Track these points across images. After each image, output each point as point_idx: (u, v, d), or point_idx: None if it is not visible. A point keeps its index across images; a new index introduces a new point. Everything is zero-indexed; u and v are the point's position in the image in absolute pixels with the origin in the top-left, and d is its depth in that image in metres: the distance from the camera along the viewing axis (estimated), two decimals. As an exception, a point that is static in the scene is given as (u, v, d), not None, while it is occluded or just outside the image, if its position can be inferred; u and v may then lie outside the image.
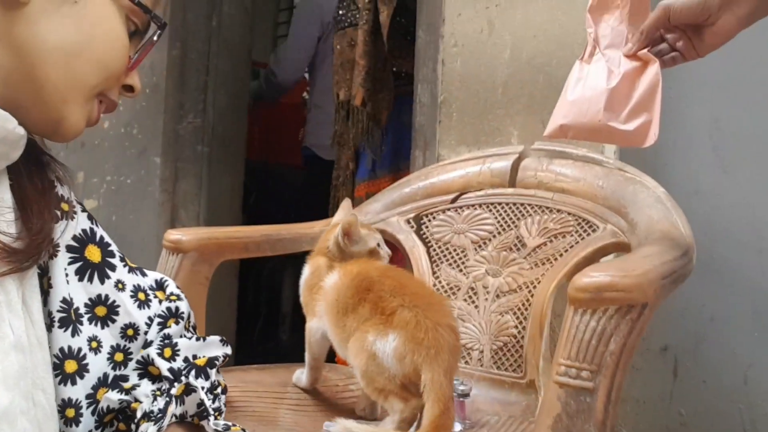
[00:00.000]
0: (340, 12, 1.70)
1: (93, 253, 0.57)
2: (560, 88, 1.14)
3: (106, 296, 0.56)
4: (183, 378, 0.55)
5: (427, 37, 1.31)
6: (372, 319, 0.70)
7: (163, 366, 0.55)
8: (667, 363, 1.17)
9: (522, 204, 1.09)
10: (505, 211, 1.10)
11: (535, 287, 0.99)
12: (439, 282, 1.10)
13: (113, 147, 1.86)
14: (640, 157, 1.12)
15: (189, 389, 0.53)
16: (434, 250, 1.13)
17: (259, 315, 2.52)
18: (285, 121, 2.50)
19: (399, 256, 1.35)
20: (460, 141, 1.25)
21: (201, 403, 0.52)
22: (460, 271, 1.09)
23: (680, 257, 0.68)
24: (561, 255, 0.99)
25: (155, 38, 0.54)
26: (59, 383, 0.53)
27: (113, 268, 0.58)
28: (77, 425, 0.53)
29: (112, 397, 0.54)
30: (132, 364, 0.57)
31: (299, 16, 2.22)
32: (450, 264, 1.11)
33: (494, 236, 1.10)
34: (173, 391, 0.53)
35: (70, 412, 0.53)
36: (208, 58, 1.84)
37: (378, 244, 0.90)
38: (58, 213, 0.54)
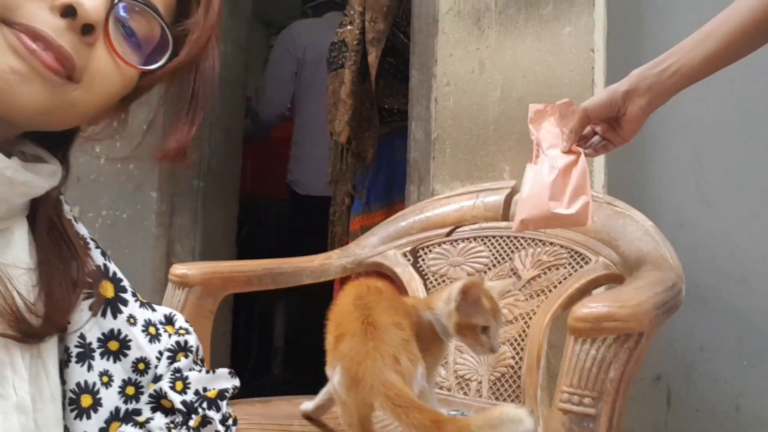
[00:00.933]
0: (332, 54, 1.75)
1: (106, 289, 0.58)
2: (550, 126, 1.20)
3: (119, 331, 0.58)
4: (198, 410, 0.56)
5: (420, 77, 1.36)
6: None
7: (176, 399, 0.56)
8: (660, 392, 1.20)
9: (515, 237, 1.13)
10: (500, 244, 1.14)
11: (530, 318, 1.01)
12: (436, 314, 1.13)
13: (109, 182, 1.87)
14: (626, 192, 1.17)
15: (205, 421, 0.54)
16: (431, 282, 1.16)
17: (252, 349, 2.51)
18: (275, 156, 2.54)
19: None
20: (453, 176, 1.29)
21: None
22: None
23: (671, 288, 0.71)
24: (555, 287, 1.02)
25: None
26: (75, 417, 0.54)
27: (125, 303, 0.59)
28: None
29: (126, 431, 0.55)
30: (144, 398, 0.58)
31: (274, 54, 2.29)
32: (446, 296, 1.13)
33: (489, 268, 1.13)
34: (191, 423, 0.54)
35: None
36: (204, 95, 1.88)
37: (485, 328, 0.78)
38: (85, 281, 0.53)
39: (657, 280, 0.69)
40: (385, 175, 1.65)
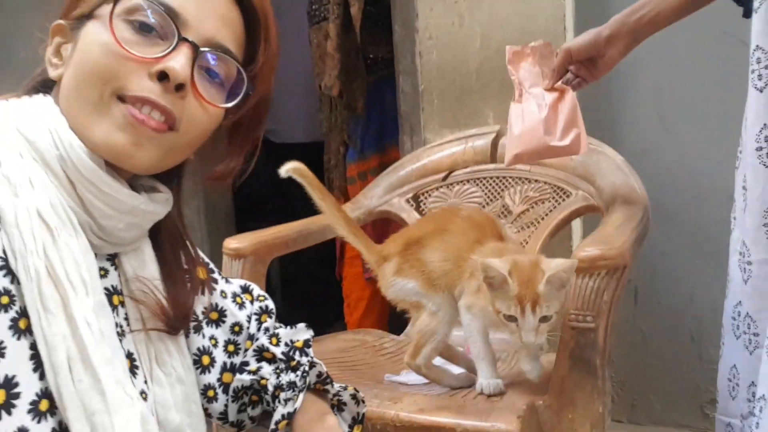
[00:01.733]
0: (313, 6, 1.77)
1: (200, 272, 0.73)
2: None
3: (216, 304, 0.73)
4: (293, 357, 0.73)
5: (403, 32, 1.46)
6: None
7: (277, 351, 0.72)
8: (629, 292, 1.42)
9: (504, 177, 1.28)
10: (491, 184, 1.30)
11: (525, 246, 1.19)
12: (442, 250, 1.30)
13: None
14: (596, 125, 1.33)
15: (312, 363, 0.70)
16: (433, 223, 1.33)
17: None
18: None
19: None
20: (442, 125, 1.43)
21: (321, 373, 0.70)
22: (458, 239, 1.29)
23: (641, 219, 0.89)
24: (543, 218, 1.20)
25: (167, 26, 0.57)
26: (200, 373, 0.70)
27: (216, 281, 0.74)
28: (216, 401, 0.71)
29: (244, 378, 0.71)
30: (250, 353, 0.74)
31: None
32: (449, 234, 1.31)
33: (483, 206, 1.29)
34: (304, 363, 0.70)
35: (210, 393, 0.70)
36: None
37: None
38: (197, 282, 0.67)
39: (630, 216, 0.86)
40: (375, 123, 1.74)
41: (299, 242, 1.14)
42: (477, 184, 1.31)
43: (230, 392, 0.72)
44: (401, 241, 0.97)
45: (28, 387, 0.49)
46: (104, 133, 0.55)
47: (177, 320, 0.63)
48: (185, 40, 0.56)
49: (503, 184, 1.28)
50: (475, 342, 0.84)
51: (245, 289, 0.79)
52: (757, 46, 0.67)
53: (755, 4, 0.68)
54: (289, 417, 0.67)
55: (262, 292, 0.80)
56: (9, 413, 0.48)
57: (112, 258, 0.62)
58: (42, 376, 0.50)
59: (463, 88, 1.39)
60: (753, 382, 0.69)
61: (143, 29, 0.56)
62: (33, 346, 0.50)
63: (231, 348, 0.73)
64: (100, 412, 0.51)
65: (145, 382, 0.61)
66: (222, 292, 0.74)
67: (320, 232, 1.19)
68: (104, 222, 0.57)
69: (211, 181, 0.65)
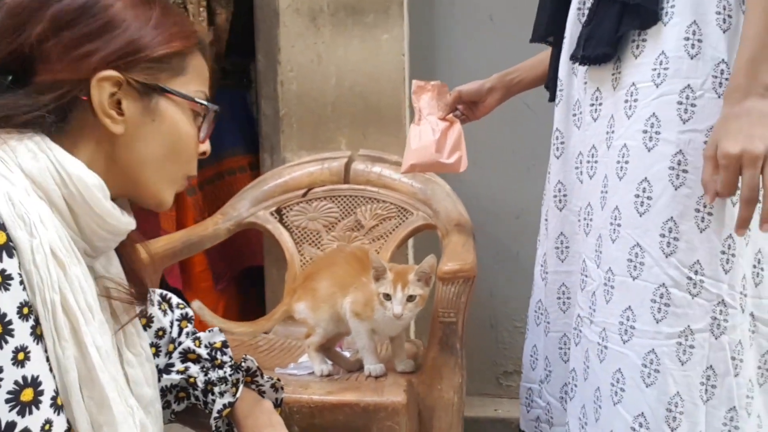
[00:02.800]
0: (172, 2, 1.77)
1: None
2: (373, 110, 1.61)
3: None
4: (216, 356, 0.87)
5: (266, 62, 1.63)
6: None
7: (202, 352, 0.86)
8: (494, 337, 1.77)
9: (356, 196, 1.54)
10: (345, 202, 1.54)
11: (375, 256, 1.46)
12: (303, 257, 1.51)
13: None
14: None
15: (244, 359, 0.87)
16: (295, 234, 1.52)
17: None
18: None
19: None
20: (300, 146, 1.63)
21: (250, 368, 0.86)
22: (318, 248, 1.51)
23: (473, 239, 1.22)
24: (390, 233, 1.48)
25: (213, 119, 0.74)
26: None
27: None
28: None
29: (173, 377, 0.82)
30: (176, 355, 0.87)
31: None
32: (310, 243, 1.52)
33: (339, 221, 1.53)
34: (227, 361, 0.86)
35: None
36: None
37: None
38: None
39: (468, 237, 1.18)
40: (216, 132, 1.81)
41: (185, 252, 1.25)
42: (333, 201, 1.55)
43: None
44: (301, 278, 1.23)
45: (48, 385, 0.58)
46: (168, 196, 0.71)
47: (141, 297, 0.73)
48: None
49: (356, 202, 1.54)
50: (362, 338, 1.08)
51: (164, 298, 0.91)
52: (557, 128, 1.01)
53: (557, 96, 1.01)
54: (231, 405, 0.82)
55: (180, 301, 0.92)
56: (38, 408, 0.56)
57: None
58: (56, 378, 0.59)
59: (320, 117, 1.61)
60: (547, 357, 1.03)
61: (196, 118, 0.72)
62: (47, 350, 0.58)
63: (153, 350, 0.82)
64: (108, 424, 0.61)
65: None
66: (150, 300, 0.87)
67: (199, 243, 1.31)
68: (99, 244, 0.66)
69: None
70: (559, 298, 1.01)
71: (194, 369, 0.85)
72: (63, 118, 0.64)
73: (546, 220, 1.04)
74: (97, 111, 0.64)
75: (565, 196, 1.00)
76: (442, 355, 0.99)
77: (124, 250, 0.75)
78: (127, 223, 0.68)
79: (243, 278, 1.84)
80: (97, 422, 0.60)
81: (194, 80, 0.69)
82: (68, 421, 0.59)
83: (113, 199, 0.67)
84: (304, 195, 1.55)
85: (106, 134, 0.65)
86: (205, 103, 0.70)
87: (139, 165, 0.68)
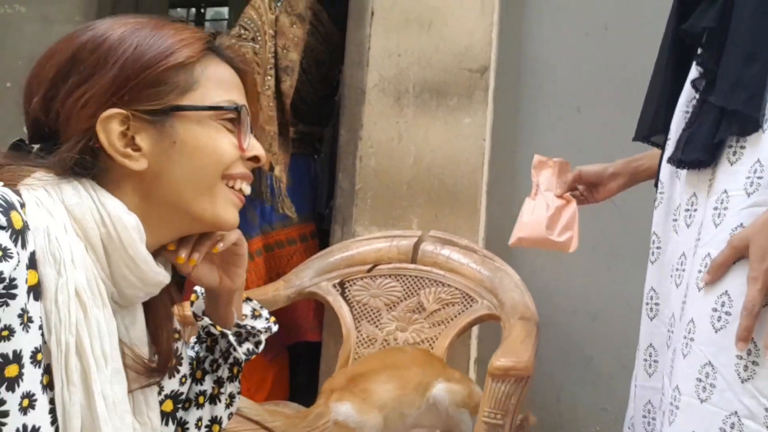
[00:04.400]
0: None
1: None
2: (449, 192, 1.58)
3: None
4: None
5: (347, 136, 1.67)
6: None
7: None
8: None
9: (422, 277, 1.50)
10: (410, 282, 1.50)
11: (434, 342, 1.40)
12: (360, 334, 1.47)
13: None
14: (499, 246, 1.60)
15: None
16: (356, 309, 1.49)
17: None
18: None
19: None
20: (372, 222, 1.63)
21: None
22: (376, 326, 1.47)
23: (536, 334, 1.13)
24: (452, 319, 1.41)
25: (246, 120, 0.69)
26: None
27: None
28: None
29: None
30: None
31: None
32: (368, 321, 1.48)
33: (401, 300, 1.49)
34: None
35: None
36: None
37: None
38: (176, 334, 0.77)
39: (529, 332, 1.10)
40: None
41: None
42: (398, 280, 1.51)
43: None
44: (344, 378, 1.18)
45: None
46: (224, 211, 0.68)
47: (159, 370, 0.71)
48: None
49: (421, 283, 1.49)
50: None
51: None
52: (654, 232, 0.93)
53: (657, 199, 0.93)
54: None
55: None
56: None
57: None
58: (57, 430, 0.58)
59: (394, 194, 1.61)
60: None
61: (231, 123, 0.68)
62: (51, 401, 0.57)
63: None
64: None
65: None
66: None
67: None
68: (128, 291, 0.65)
69: None
70: (644, 416, 0.90)
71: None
72: (92, 168, 0.64)
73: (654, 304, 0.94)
74: (112, 154, 0.63)
75: (657, 304, 0.90)
76: (485, 462, 0.90)
77: (156, 314, 0.73)
78: (158, 273, 0.67)
79: (296, 352, 1.82)
80: None
81: (212, 88, 0.66)
82: None
83: (156, 256, 0.67)
84: (369, 270, 1.53)
85: (133, 173, 0.64)
86: (224, 106, 0.67)
87: (175, 193, 0.66)
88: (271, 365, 1.74)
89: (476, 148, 1.57)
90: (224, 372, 0.85)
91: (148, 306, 0.73)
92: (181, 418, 0.81)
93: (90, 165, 0.63)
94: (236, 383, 0.87)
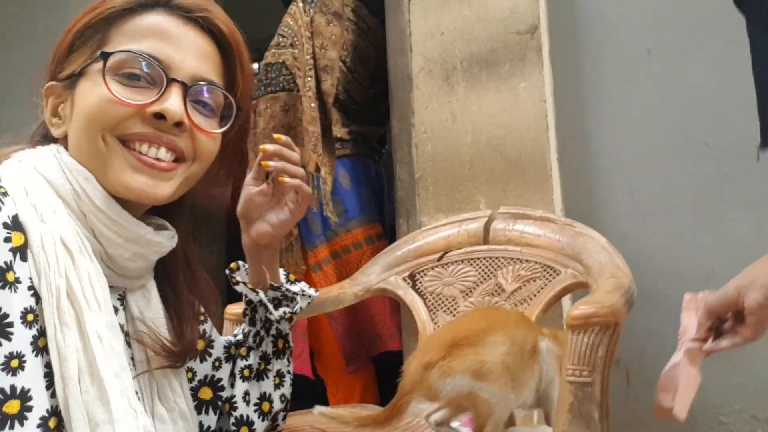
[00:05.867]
0: (269, 75, 1.68)
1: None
2: (513, 164, 1.46)
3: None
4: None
5: (400, 126, 1.60)
6: None
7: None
8: (621, 373, 1.46)
9: (496, 257, 1.37)
10: (484, 264, 1.37)
11: (517, 323, 1.25)
12: (438, 326, 1.35)
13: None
14: (581, 214, 1.44)
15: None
16: (429, 301, 1.38)
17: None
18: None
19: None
20: (437, 209, 1.53)
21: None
22: (453, 315, 1.35)
23: (628, 290, 0.96)
24: (534, 296, 1.27)
25: (153, 70, 0.63)
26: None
27: None
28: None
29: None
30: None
31: None
32: (444, 311, 1.36)
33: (477, 285, 1.36)
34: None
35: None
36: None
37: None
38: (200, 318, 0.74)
39: (618, 286, 0.94)
40: (345, 200, 1.67)
41: (304, 311, 1.18)
42: (471, 264, 1.39)
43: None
44: (440, 346, 0.95)
45: (40, 402, 0.53)
46: (119, 176, 0.61)
47: (180, 354, 0.68)
48: (174, 80, 0.63)
49: (496, 264, 1.36)
50: None
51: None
52: None
53: None
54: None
55: None
56: (21, 424, 0.51)
57: (121, 298, 0.66)
58: (53, 395, 0.54)
59: (456, 177, 1.51)
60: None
61: (132, 79, 0.62)
62: (48, 365, 0.54)
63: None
64: (104, 422, 0.54)
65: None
66: None
67: (319, 305, 1.24)
68: (112, 251, 0.62)
69: (213, 202, 0.74)
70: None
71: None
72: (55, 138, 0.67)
73: None
74: (46, 122, 0.66)
75: None
76: (575, 429, 0.74)
77: (176, 299, 0.71)
78: (137, 225, 0.63)
79: (382, 364, 1.71)
80: (94, 419, 0.53)
81: (118, 43, 0.63)
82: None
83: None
84: (440, 259, 1.42)
85: (64, 142, 0.65)
86: (97, 55, 0.62)
87: (78, 154, 0.63)
88: (356, 378, 1.66)
89: (537, 111, 1.44)
90: (268, 346, 0.81)
91: (166, 290, 0.71)
92: (226, 396, 0.76)
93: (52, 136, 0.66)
94: (284, 360, 0.81)
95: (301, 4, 1.70)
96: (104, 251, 0.62)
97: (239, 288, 0.81)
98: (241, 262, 0.83)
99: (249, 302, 0.82)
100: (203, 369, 0.77)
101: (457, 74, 1.53)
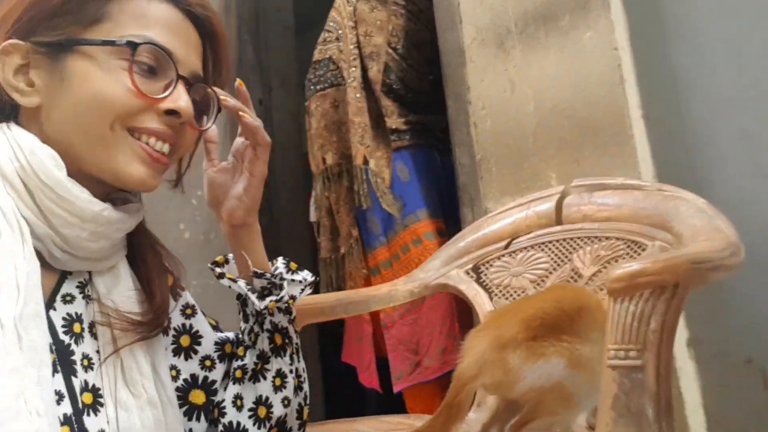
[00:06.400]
0: (317, 73, 1.62)
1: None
2: (586, 127, 1.23)
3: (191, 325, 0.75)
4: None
5: (456, 106, 1.44)
6: None
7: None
8: (754, 376, 1.15)
9: (571, 239, 1.15)
10: (557, 248, 1.16)
11: (597, 312, 1.02)
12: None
13: (195, 254, 2.05)
14: (678, 177, 1.17)
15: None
16: (495, 294, 1.19)
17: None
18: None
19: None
20: (503, 192, 1.34)
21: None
22: (523, 310, 1.14)
23: (719, 250, 0.72)
24: (616, 278, 1.03)
25: (163, 63, 0.61)
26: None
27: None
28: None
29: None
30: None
31: None
32: (513, 305, 1.16)
33: (551, 272, 1.15)
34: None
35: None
36: (266, 162, 2.05)
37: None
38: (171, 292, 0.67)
39: (700, 243, 0.70)
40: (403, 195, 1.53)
41: (338, 311, 1.06)
42: (542, 249, 1.18)
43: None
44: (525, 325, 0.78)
45: None
46: (125, 165, 0.60)
47: (150, 323, 0.60)
48: (181, 77, 0.62)
49: (571, 246, 1.14)
50: None
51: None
52: None
53: None
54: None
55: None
56: None
57: (83, 285, 0.60)
58: None
59: (521, 152, 1.31)
60: None
61: (149, 71, 0.60)
62: None
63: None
64: None
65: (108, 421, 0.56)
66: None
67: (362, 303, 1.11)
68: (66, 231, 0.57)
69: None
70: None
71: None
72: (10, 107, 0.61)
73: None
74: (4, 87, 0.59)
75: None
76: (621, 427, 0.53)
77: (147, 272, 0.66)
78: (91, 203, 0.58)
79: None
80: None
81: (123, 22, 0.59)
82: None
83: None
84: (507, 246, 1.23)
85: (33, 112, 0.59)
86: (114, 41, 0.58)
87: (65, 139, 0.59)
88: (434, 388, 1.49)
89: (609, 60, 1.21)
90: (264, 343, 0.70)
91: (138, 264, 0.66)
92: (216, 400, 0.67)
93: (6, 107, 0.61)
94: (286, 358, 0.70)
95: None
96: (57, 233, 0.57)
97: (224, 282, 0.72)
98: (229, 255, 0.75)
99: (238, 296, 0.74)
100: (189, 367, 0.69)
101: (512, 38, 1.35)
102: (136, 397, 0.57)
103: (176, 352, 0.68)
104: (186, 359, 0.69)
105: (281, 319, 0.73)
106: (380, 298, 1.17)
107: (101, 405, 0.55)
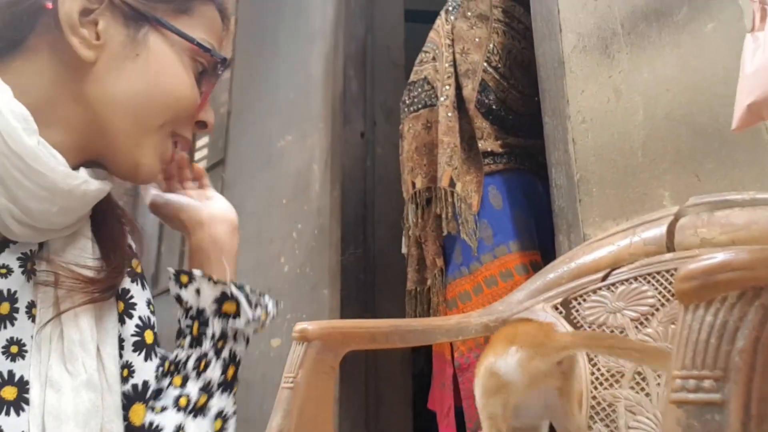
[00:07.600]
0: (411, 94, 1.54)
1: (137, 265, 0.64)
2: (706, 136, 1.02)
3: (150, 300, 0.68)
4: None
5: (553, 122, 1.28)
6: None
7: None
8: None
9: (685, 268, 0.92)
10: (667, 280, 0.94)
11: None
12: (598, 370, 0.94)
13: (291, 287, 2.02)
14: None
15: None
16: (588, 335, 0.99)
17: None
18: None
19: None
20: (605, 216, 1.14)
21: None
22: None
23: None
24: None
25: (219, 72, 0.58)
26: None
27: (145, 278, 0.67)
28: None
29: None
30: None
31: None
32: (608, 348, 0.95)
33: (657, 309, 0.93)
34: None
35: None
36: (365, 194, 1.99)
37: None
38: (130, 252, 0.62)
39: None
40: (490, 225, 1.38)
41: (393, 339, 0.92)
42: (648, 282, 0.97)
43: None
44: None
45: None
46: (148, 159, 0.57)
47: (104, 280, 0.53)
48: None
49: (684, 277, 0.92)
50: None
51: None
52: None
53: None
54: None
55: None
56: None
57: (26, 258, 0.53)
58: None
59: (626, 170, 1.11)
60: None
61: (199, 75, 0.59)
62: None
63: None
64: None
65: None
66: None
67: (424, 333, 0.96)
68: (32, 204, 0.50)
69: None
70: None
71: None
72: (18, 34, 0.52)
73: None
74: (63, 25, 0.51)
75: None
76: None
77: (108, 235, 0.61)
78: (66, 175, 0.51)
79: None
80: None
81: (200, 27, 0.57)
82: None
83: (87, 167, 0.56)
84: (604, 278, 1.03)
85: (72, 61, 0.52)
86: (211, 50, 0.57)
87: (109, 106, 0.53)
88: None
89: (736, 55, 0.99)
90: (215, 372, 0.60)
91: (99, 228, 0.60)
92: (153, 423, 0.56)
93: (14, 32, 0.53)
94: (230, 398, 0.59)
95: (443, 15, 1.55)
96: (19, 205, 0.50)
97: (182, 294, 0.63)
98: (195, 271, 0.64)
99: (194, 315, 0.62)
100: (144, 370, 0.58)
101: (619, 40, 1.18)
102: (72, 375, 0.49)
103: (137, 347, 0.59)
104: (147, 360, 0.60)
105: (240, 348, 0.64)
106: (447, 329, 1.02)
107: (27, 402, 0.46)
